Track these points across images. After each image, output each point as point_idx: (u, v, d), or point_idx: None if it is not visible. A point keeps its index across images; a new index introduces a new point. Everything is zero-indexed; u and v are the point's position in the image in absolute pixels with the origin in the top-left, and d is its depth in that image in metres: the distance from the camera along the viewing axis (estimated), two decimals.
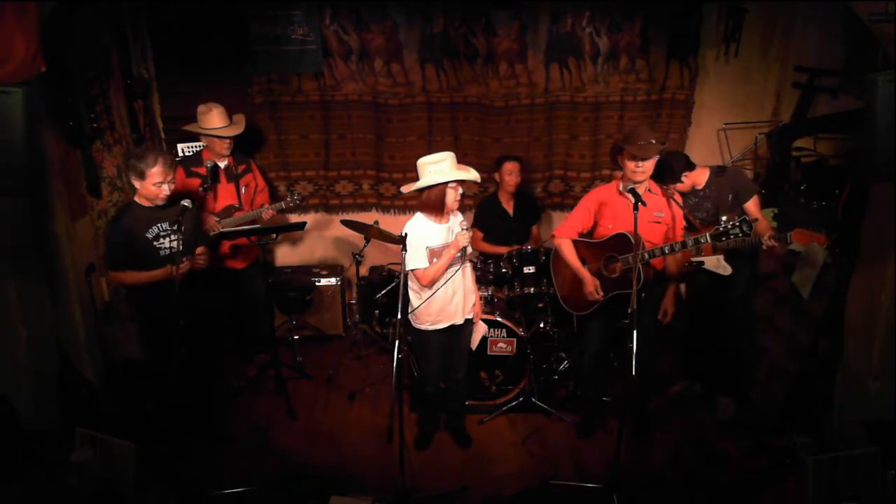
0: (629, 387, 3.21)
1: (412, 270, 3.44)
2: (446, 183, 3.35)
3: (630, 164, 3.44)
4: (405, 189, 3.59)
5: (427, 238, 3.44)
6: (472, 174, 3.43)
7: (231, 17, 4.59)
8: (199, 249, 3.58)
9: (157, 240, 3.49)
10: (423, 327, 3.62)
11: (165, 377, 3.41)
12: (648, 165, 3.43)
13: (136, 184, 3.39)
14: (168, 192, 3.42)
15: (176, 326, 3.32)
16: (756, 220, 3.62)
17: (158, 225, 3.48)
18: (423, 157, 3.43)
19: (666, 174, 3.76)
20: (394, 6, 4.74)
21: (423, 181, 3.37)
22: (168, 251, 3.50)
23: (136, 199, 3.47)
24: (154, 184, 3.35)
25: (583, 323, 4.08)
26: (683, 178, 3.84)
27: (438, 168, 3.36)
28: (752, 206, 3.82)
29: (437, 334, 3.64)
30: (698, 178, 3.92)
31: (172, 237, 3.50)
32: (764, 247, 3.46)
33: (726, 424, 4.07)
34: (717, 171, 3.95)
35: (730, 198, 3.85)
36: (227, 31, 4.60)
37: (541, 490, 3.56)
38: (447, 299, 3.54)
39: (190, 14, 4.50)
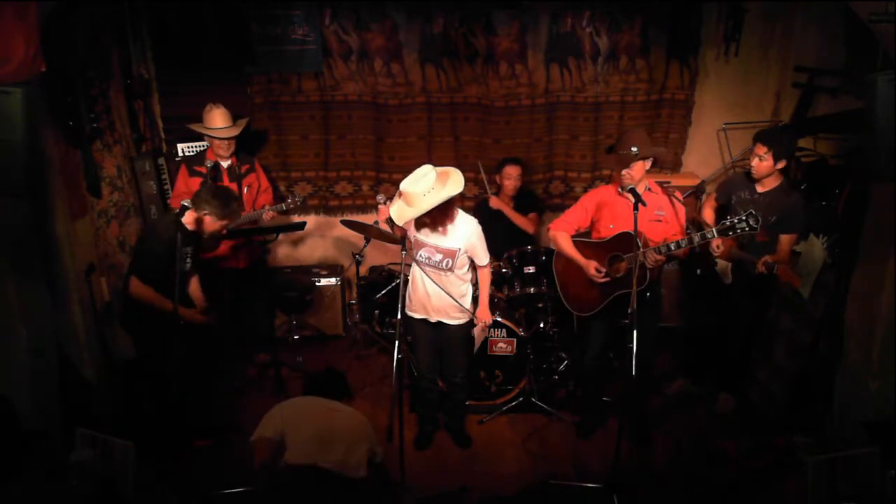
0: (629, 387, 3.21)
1: None
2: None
3: (618, 170, 3.52)
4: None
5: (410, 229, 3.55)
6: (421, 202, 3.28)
7: (231, 17, 4.58)
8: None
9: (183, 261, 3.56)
10: (407, 312, 3.74)
11: (165, 377, 3.42)
12: (635, 172, 3.47)
13: (193, 214, 3.48)
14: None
15: (176, 326, 3.32)
16: (781, 259, 3.58)
17: (188, 248, 3.59)
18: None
19: (786, 145, 3.68)
20: (394, 6, 4.73)
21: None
22: (185, 267, 3.62)
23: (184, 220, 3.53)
24: (224, 225, 3.59)
25: (584, 323, 4.09)
26: (779, 165, 3.67)
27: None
28: (786, 239, 3.68)
29: (417, 323, 3.76)
30: (771, 179, 3.75)
31: (188, 261, 3.63)
32: (757, 271, 3.53)
33: (726, 423, 4.08)
34: (786, 188, 3.77)
35: (773, 219, 3.65)
36: (227, 31, 4.59)
37: (540, 490, 3.56)
38: (415, 290, 3.66)
39: (190, 14, 4.49)
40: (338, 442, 2.86)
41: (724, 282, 3.98)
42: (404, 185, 3.27)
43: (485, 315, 3.73)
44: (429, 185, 3.24)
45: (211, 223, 3.55)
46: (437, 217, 3.36)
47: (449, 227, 3.46)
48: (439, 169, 3.36)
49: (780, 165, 3.69)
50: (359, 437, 2.94)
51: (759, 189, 3.79)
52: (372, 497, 2.98)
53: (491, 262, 4.38)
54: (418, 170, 3.29)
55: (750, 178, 3.84)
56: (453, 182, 3.32)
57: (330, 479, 2.78)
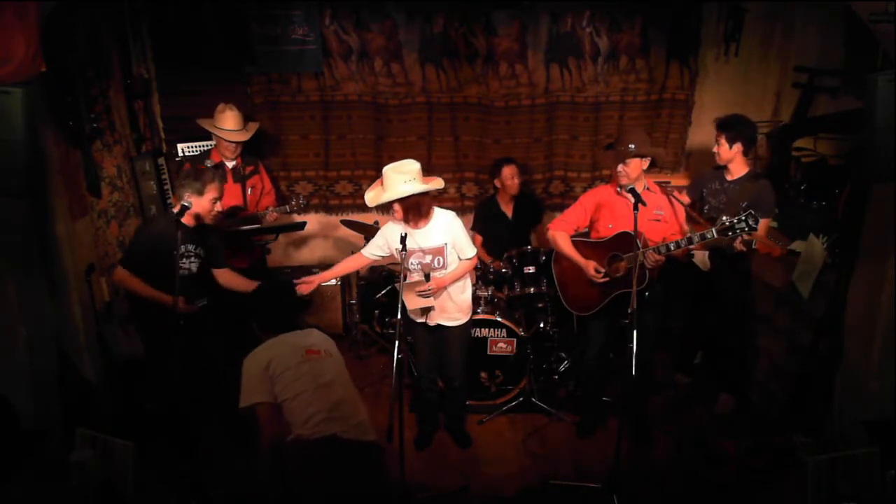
0: (629, 387, 3.21)
1: None
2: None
3: (614, 167, 3.53)
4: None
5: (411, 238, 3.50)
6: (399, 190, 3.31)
7: (231, 16, 4.59)
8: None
9: (181, 259, 3.48)
10: (409, 314, 3.74)
11: (166, 377, 3.42)
12: (630, 169, 3.48)
13: (192, 199, 3.43)
14: (221, 209, 3.63)
15: (176, 326, 3.32)
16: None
17: (187, 246, 3.51)
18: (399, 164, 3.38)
19: (739, 129, 3.75)
20: (394, 6, 4.74)
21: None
22: (186, 272, 3.51)
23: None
24: (212, 199, 3.50)
25: (583, 323, 4.09)
26: (733, 147, 3.75)
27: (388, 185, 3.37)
28: (760, 224, 3.67)
29: (417, 325, 3.77)
30: (737, 167, 3.84)
31: (193, 259, 3.56)
32: (735, 250, 3.51)
33: (726, 423, 4.07)
34: (753, 175, 3.86)
35: (744, 205, 3.66)
36: (227, 31, 4.60)
37: (541, 490, 3.56)
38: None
39: (190, 14, 4.50)
40: (346, 405, 2.83)
41: (702, 270, 4.03)
42: (387, 168, 3.34)
43: (437, 282, 3.52)
44: (410, 175, 3.31)
45: (199, 203, 3.48)
46: (410, 208, 3.38)
47: (428, 224, 3.49)
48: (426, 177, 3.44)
49: (737, 149, 3.78)
50: (346, 376, 2.98)
51: (728, 178, 3.88)
52: (379, 464, 2.93)
53: (491, 263, 4.42)
54: (405, 160, 3.35)
55: (719, 170, 3.94)
56: (434, 182, 3.42)
57: (349, 448, 2.72)
